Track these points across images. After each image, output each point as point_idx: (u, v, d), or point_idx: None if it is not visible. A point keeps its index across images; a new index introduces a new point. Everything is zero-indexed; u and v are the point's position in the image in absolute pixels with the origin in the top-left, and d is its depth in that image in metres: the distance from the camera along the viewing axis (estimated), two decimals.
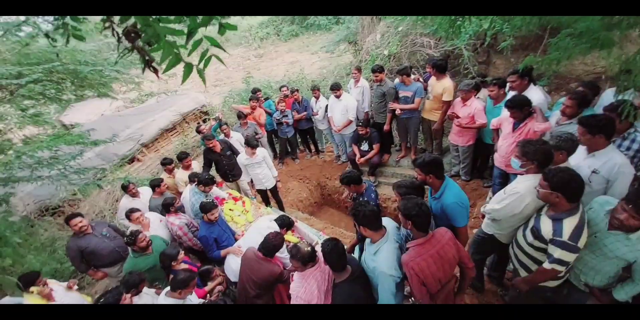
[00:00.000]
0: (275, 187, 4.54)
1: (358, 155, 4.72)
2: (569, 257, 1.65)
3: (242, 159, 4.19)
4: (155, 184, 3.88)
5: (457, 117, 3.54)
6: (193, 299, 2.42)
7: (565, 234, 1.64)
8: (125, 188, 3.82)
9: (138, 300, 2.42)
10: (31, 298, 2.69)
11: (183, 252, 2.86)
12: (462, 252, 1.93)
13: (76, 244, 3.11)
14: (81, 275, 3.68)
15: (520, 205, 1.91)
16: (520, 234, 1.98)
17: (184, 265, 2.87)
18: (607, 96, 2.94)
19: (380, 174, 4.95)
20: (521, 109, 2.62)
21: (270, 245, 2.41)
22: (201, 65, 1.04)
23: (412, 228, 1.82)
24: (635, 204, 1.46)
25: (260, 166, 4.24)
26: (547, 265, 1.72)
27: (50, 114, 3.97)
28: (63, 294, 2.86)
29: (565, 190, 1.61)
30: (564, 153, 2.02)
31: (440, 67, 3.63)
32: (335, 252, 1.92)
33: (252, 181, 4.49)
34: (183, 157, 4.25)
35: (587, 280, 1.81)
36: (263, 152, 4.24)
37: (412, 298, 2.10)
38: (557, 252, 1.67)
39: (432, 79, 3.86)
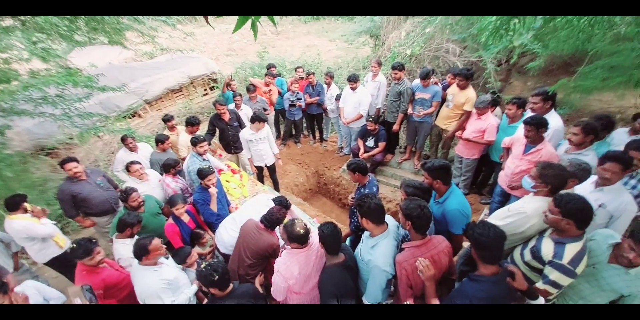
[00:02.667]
0: (274, 165, 4.53)
1: (362, 150, 4.72)
2: (565, 280, 1.68)
3: (246, 134, 4.11)
4: (160, 139, 3.84)
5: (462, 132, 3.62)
6: (169, 263, 2.42)
7: (566, 258, 1.66)
8: (123, 140, 3.77)
9: (130, 243, 2.41)
10: (17, 219, 2.75)
11: (184, 205, 2.89)
12: (451, 262, 1.98)
13: (69, 188, 3.09)
14: (67, 220, 3.65)
15: (524, 225, 1.95)
16: (517, 252, 2.01)
17: (186, 217, 2.94)
18: (619, 135, 3.01)
19: (380, 172, 4.98)
20: (538, 129, 2.63)
21: (273, 218, 2.45)
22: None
23: (411, 229, 1.84)
24: None
25: (263, 142, 4.20)
26: (540, 285, 1.75)
27: (58, 52, 3.78)
28: (46, 221, 2.94)
29: (577, 218, 1.63)
30: (575, 181, 2.07)
31: (468, 76, 3.61)
32: (333, 235, 1.95)
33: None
34: (196, 123, 4.11)
35: None
36: (267, 128, 4.20)
37: (387, 303, 2.14)
38: (553, 274, 1.68)
39: (454, 88, 3.84)
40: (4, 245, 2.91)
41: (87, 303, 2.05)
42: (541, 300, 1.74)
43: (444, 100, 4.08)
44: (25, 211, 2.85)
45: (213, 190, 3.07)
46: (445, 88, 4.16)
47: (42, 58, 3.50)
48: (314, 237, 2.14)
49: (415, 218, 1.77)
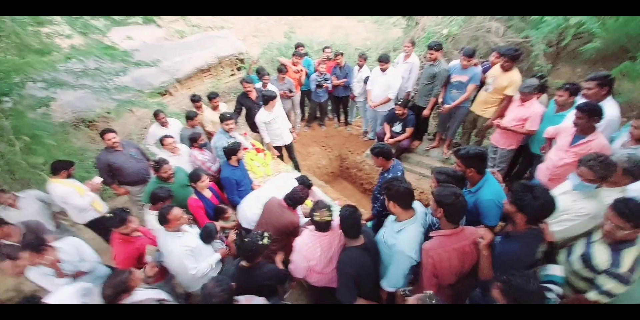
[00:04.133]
0: (292, 144, 4.50)
1: (388, 135, 4.57)
2: (620, 289, 1.55)
3: (262, 116, 4.00)
4: (190, 116, 3.99)
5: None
6: (193, 231, 2.50)
7: (625, 266, 1.53)
8: (156, 115, 3.91)
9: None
10: (59, 183, 2.97)
11: (208, 178, 2.99)
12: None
13: (106, 158, 3.30)
14: (104, 187, 3.92)
15: (586, 227, 1.79)
16: (562, 259, 1.83)
17: (208, 192, 3.03)
18: None
19: (405, 159, 4.81)
20: (590, 117, 2.34)
21: (297, 197, 2.47)
22: None
23: (442, 217, 1.74)
24: None
25: (280, 119, 4.17)
26: (593, 296, 1.61)
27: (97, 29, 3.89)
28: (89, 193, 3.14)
29: None
30: (630, 178, 1.86)
31: (514, 57, 3.27)
32: (352, 218, 1.91)
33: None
34: (212, 97, 4.28)
35: None
36: (279, 104, 4.17)
37: (406, 289, 2.08)
38: (609, 284, 1.56)
39: (495, 69, 3.51)
40: (46, 205, 3.15)
41: (154, 263, 2.26)
42: (558, 269, 1.65)
43: (482, 84, 3.78)
44: (68, 176, 3.06)
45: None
46: (484, 71, 3.84)
47: (82, 33, 3.62)
48: (337, 220, 2.09)
49: (448, 205, 1.68)
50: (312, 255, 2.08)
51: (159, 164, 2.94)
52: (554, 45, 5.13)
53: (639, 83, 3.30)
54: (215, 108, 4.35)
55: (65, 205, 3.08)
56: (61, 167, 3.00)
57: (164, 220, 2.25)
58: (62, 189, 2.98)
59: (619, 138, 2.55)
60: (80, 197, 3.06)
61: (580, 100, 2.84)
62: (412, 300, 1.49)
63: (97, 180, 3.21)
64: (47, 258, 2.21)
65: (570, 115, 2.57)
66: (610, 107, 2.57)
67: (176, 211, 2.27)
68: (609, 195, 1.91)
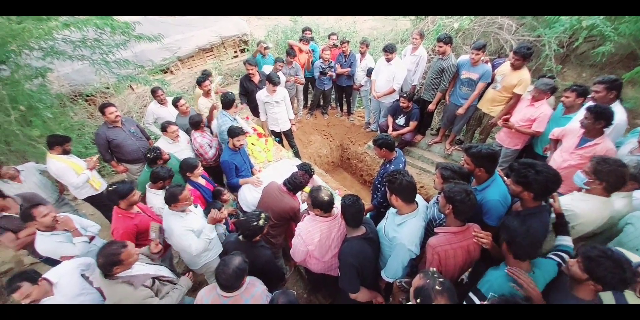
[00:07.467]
0: (290, 130, 4.43)
1: (391, 128, 4.53)
2: None
3: (262, 95, 3.99)
4: (174, 100, 3.76)
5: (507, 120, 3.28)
6: (197, 212, 2.50)
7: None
8: (154, 92, 3.78)
9: (161, 194, 2.49)
10: (54, 158, 2.91)
11: (201, 167, 2.91)
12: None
13: (105, 133, 3.22)
14: (103, 164, 3.88)
15: (601, 227, 1.79)
16: None
17: (202, 180, 2.97)
18: None
19: (407, 153, 4.79)
20: (596, 120, 2.31)
21: (297, 182, 2.45)
22: None
23: (451, 213, 1.73)
24: None
25: (279, 105, 4.08)
26: None
27: None
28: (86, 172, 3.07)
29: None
30: (636, 184, 1.86)
31: (526, 55, 3.19)
32: (354, 208, 1.89)
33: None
34: (202, 80, 4.01)
35: None
36: (284, 92, 4.07)
37: (403, 281, 2.07)
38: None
39: (505, 67, 3.44)
40: (46, 177, 3.09)
41: (158, 240, 2.23)
42: (569, 239, 1.67)
43: (490, 82, 3.71)
44: (64, 152, 2.98)
45: (255, 177, 3.12)
46: (495, 67, 3.76)
47: None
48: (338, 209, 2.09)
49: (459, 202, 1.66)
50: (310, 240, 2.09)
51: (155, 152, 2.84)
52: (564, 46, 5.06)
53: None
54: (207, 93, 4.09)
55: (61, 180, 3.03)
56: (55, 142, 2.92)
57: (173, 199, 2.23)
58: (57, 164, 2.92)
59: (626, 144, 2.54)
60: (75, 175, 2.99)
61: (588, 104, 2.82)
62: (416, 278, 1.49)
63: (94, 158, 3.15)
64: (61, 218, 2.18)
65: (578, 117, 2.55)
66: (617, 112, 2.54)
67: (187, 192, 2.28)
68: (613, 199, 1.94)
